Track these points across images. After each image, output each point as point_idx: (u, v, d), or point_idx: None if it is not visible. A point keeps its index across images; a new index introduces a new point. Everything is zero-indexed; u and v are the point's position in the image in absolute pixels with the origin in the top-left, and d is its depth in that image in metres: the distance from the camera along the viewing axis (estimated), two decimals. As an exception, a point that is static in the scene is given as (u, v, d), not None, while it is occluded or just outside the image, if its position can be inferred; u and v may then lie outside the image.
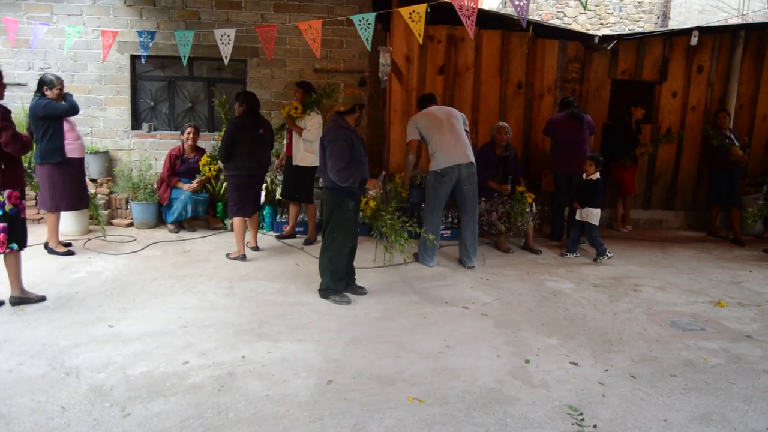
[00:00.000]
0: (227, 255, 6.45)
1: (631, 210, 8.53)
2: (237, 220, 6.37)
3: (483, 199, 6.86)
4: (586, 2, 4.88)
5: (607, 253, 6.78)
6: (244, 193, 6.39)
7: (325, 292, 5.29)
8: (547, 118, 7.83)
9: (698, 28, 7.82)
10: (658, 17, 17.44)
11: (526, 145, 8.19)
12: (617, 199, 8.41)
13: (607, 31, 13.80)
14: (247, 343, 4.34)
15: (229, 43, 6.04)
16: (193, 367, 3.96)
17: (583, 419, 3.55)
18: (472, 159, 6.17)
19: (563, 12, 17.13)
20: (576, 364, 4.27)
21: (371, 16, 5.60)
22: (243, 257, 6.34)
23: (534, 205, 6.95)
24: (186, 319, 4.74)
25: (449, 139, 6.08)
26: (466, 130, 6.28)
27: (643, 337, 4.81)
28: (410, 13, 5.39)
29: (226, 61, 6.12)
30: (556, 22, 16.55)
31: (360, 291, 5.46)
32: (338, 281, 5.29)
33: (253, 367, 3.98)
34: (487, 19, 7.58)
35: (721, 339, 4.89)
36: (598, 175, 6.77)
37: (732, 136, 8.11)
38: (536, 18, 15.83)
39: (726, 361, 4.49)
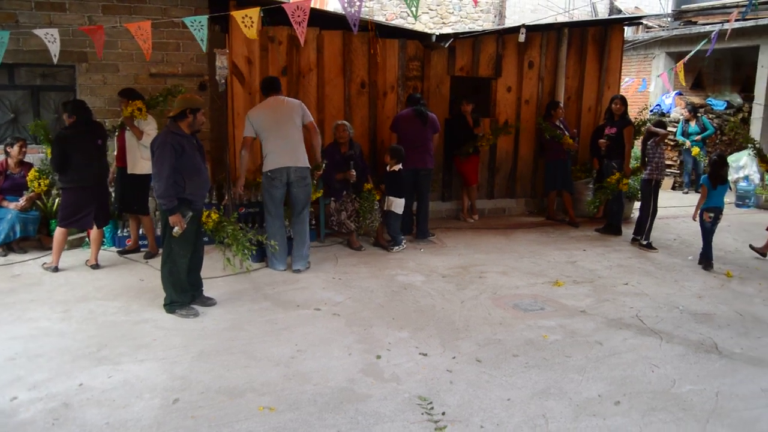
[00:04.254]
0: (43, 264, 6.22)
1: (476, 200, 8.91)
2: (59, 231, 6.11)
3: (332, 199, 6.90)
4: (417, 13, 5.01)
5: (402, 244, 7.06)
6: (79, 206, 6.05)
7: (170, 306, 5.06)
8: (392, 115, 7.99)
9: (525, 25, 8.28)
10: (495, 16, 18.35)
11: (373, 143, 8.31)
12: (462, 192, 8.77)
13: (448, 30, 14.33)
14: (85, 370, 4.06)
15: (54, 42, 5.60)
16: (23, 402, 3.65)
17: (432, 408, 3.65)
18: (303, 163, 6.10)
19: (407, 12, 17.58)
20: (425, 354, 4.38)
21: (204, 18, 5.42)
22: (55, 269, 6.11)
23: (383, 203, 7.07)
24: (14, 351, 4.34)
25: (280, 141, 6.01)
26: (307, 125, 6.20)
27: (488, 321, 5.03)
28: (243, 18, 5.28)
29: (55, 60, 5.66)
30: (400, 21, 16.96)
31: (209, 302, 5.28)
32: (182, 293, 5.08)
33: (92, 395, 3.73)
34: (328, 19, 7.60)
35: (558, 316, 5.23)
36: (400, 166, 6.99)
37: (562, 127, 8.70)
38: (380, 18, 16.16)
39: (563, 336, 4.80)
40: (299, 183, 6.07)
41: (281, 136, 6.04)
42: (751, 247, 7.41)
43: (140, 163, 6.44)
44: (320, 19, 7.49)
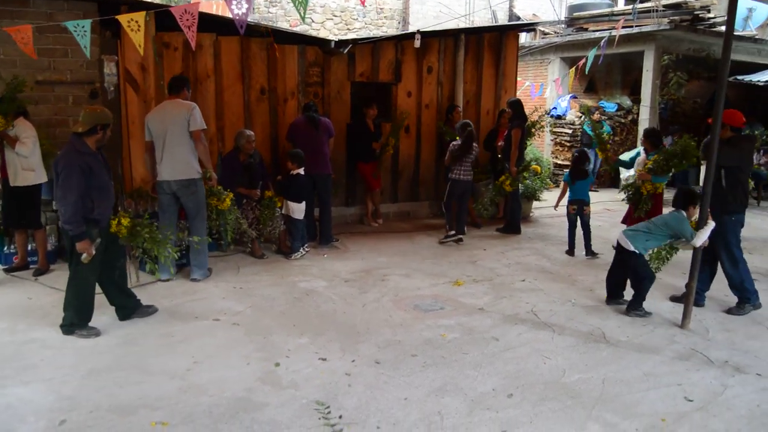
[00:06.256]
0: None
1: (380, 204, 8.99)
2: None
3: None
4: (305, 14, 5.01)
5: (301, 251, 7.04)
6: None
7: (69, 328, 4.79)
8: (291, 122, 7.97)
9: (420, 31, 8.45)
10: (399, 22, 18.61)
11: (274, 150, 8.24)
12: (366, 196, 8.83)
13: (353, 36, 14.42)
14: (-37, 396, 3.82)
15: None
16: None
17: (329, 412, 3.65)
18: (186, 175, 5.94)
19: (311, 18, 17.55)
20: (325, 359, 4.38)
21: (87, 23, 5.21)
22: None
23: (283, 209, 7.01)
24: None
25: (162, 153, 5.89)
26: (192, 132, 5.99)
27: (388, 323, 5.09)
28: (129, 21, 5.12)
29: None
30: (304, 27, 16.91)
31: (150, 310, 5.12)
32: (85, 316, 4.81)
33: (-30, 422, 3.51)
34: (225, 25, 7.48)
35: (457, 315, 5.35)
36: (301, 171, 7.00)
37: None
38: (284, 24, 16.06)
39: (461, 334, 4.92)
40: (184, 192, 5.94)
41: (165, 146, 5.90)
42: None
43: (21, 174, 6.10)
44: (217, 24, 7.37)
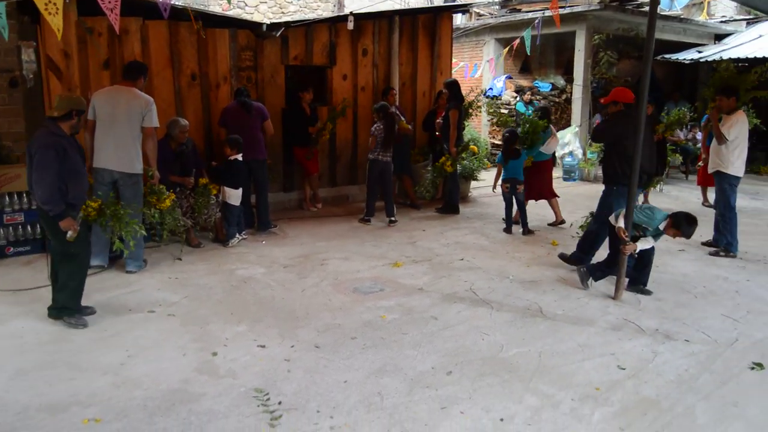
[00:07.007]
0: None
1: (318, 189, 8.92)
2: None
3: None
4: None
5: (237, 237, 6.95)
6: None
7: (58, 312, 4.68)
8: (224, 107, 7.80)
9: (352, 13, 8.38)
10: (334, 5, 18.45)
11: (208, 137, 8.06)
12: (304, 181, 8.75)
13: (287, 19, 14.20)
14: None
15: None
16: None
17: (268, 398, 3.62)
18: (131, 169, 5.77)
19: (245, 2, 17.23)
20: (264, 346, 4.33)
21: (1, 6, 4.97)
22: None
23: (219, 196, 6.88)
24: None
25: (110, 139, 5.70)
26: (146, 129, 5.86)
27: (328, 307, 5.07)
28: (46, 5, 4.88)
29: None
30: (237, 11, 16.57)
31: (87, 311, 4.87)
32: (77, 299, 4.75)
33: None
34: (152, 9, 7.24)
35: (397, 296, 5.37)
36: (239, 157, 6.91)
37: (398, 112, 8.90)
38: (216, 9, 15.69)
39: (401, 315, 4.94)
40: (126, 182, 5.76)
41: (111, 133, 5.71)
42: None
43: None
44: (143, 8, 7.12)
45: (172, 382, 3.81)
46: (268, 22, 8.34)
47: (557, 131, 12.85)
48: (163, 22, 7.61)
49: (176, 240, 7.04)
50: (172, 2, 4.76)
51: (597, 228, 6.04)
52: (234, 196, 6.83)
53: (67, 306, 4.72)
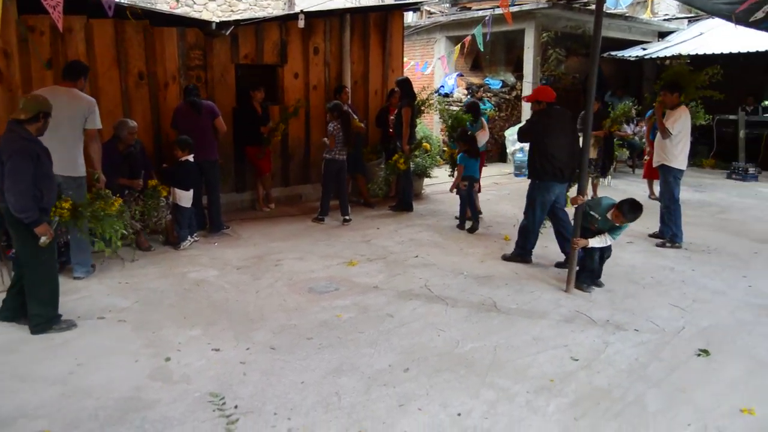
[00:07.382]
0: None
1: (271, 189, 8.84)
2: None
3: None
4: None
5: (189, 239, 6.84)
6: None
7: (45, 325, 4.54)
8: (174, 107, 7.64)
9: (303, 12, 8.31)
10: (285, 3, 18.30)
11: (157, 138, 7.90)
12: (256, 181, 8.66)
13: (237, 18, 14.02)
14: None
15: None
16: None
17: (224, 403, 3.57)
18: (74, 172, 5.61)
19: (193, 0, 16.95)
20: (218, 349, 4.27)
21: (-66, 5, 4.76)
22: None
23: (170, 198, 6.74)
24: None
25: (46, 142, 5.54)
26: (89, 131, 5.71)
27: (283, 308, 5.03)
28: (-17, 2, 4.70)
29: None
30: (185, 9, 16.29)
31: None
32: (56, 305, 4.64)
33: None
34: (97, 7, 7.04)
35: (352, 294, 5.36)
36: (190, 158, 6.81)
37: (350, 110, 8.88)
38: (164, 7, 15.40)
39: (356, 313, 4.93)
40: (70, 184, 5.59)
41: (54, 136, 5.51)
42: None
43: None
44: (87, 6, 6.92)
45: (124, 389, 3.73)
46: (218, 21, 8.21)
47: (508, 128, 13.10)
48: (108, 20, 7.41)
49: (126, 243, 6.88)
50: (117, 0, 4.62)
51: (526, 221, 6.30)
52: (185, 197, 6.71)
53: (51, 316, 4.61)
